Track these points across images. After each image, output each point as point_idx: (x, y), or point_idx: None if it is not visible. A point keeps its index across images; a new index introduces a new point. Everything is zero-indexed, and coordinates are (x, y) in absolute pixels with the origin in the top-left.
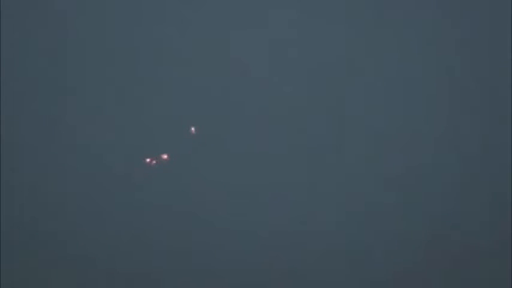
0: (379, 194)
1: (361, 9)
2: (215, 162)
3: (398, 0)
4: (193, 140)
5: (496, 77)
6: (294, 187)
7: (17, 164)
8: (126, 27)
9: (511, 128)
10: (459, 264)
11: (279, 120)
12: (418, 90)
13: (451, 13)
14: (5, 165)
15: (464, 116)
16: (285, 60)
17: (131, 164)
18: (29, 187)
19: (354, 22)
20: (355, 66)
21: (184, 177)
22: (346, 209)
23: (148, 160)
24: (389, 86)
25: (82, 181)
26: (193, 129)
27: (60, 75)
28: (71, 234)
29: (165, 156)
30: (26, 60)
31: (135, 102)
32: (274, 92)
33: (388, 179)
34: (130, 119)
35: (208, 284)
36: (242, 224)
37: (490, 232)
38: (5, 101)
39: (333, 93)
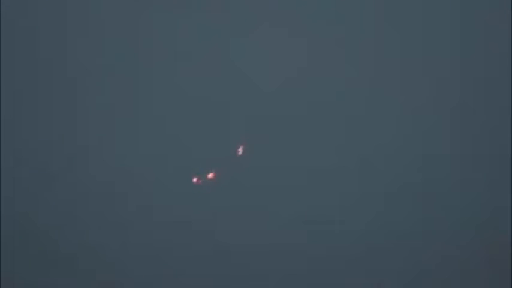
0: (378, 194)
1: (361, 11)
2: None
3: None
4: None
5: (496, 77)
6: (294, 188)
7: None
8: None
9: (511, 128)
10: (459, 264)
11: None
12: (419, 90)
13: (451, 13)
14: (5, 165)
15: (465, 116)
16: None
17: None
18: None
19: (354, 23)
20: (355, 66)
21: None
22: (346, 209)
23: (195, 179)
24: (389, 86)
25: (84, 183)
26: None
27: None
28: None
29: (210, 175)
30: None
31: (136, 105)
32: (274, 94)
33: (387, 179)
34: (131, 121)
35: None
36: (244, 225)
37: (489, 232)
38: (5, 101)
39: (334, 94)
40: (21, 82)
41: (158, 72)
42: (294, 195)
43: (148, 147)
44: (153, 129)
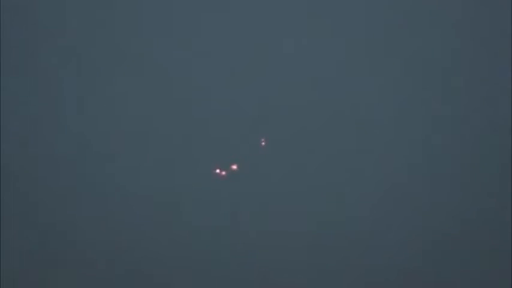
0: (378, 194)
1: (361, 10)
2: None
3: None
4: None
5: (496, 78)
6: (294, 187)
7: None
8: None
9: (511, 128)
10: (458, 264)
11: (276, 121)
12: (418, 90)
13: (451, 13)
14: (5, 165)
15: (465, 116)
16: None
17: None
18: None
19: (354, 22)
20: (355, 67)
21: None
22: (345, 209)
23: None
24: (388, 86)
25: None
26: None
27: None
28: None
29: (234, 167)
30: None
31: (138, 104)
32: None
33: (386, 180)
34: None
35: None
36: (245, 225)
37: (490, 233)
38: (5, 100)
39: (334, 94)
40: (17, 81)
41: (168, 67)
42: (300, 197)
43: (159, 146)
44: (165, 125)
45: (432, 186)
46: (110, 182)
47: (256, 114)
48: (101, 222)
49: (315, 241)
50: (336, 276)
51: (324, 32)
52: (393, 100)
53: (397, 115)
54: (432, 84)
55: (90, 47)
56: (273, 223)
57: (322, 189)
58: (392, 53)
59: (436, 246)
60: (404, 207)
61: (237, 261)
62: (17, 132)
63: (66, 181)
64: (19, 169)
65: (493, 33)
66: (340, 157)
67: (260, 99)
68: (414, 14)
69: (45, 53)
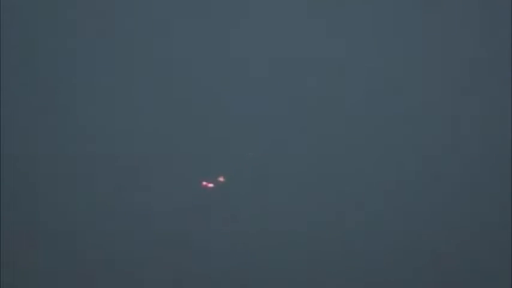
0: (378, 195)
1: (362, 9)
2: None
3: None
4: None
5: (496, 78)
6: (293, 186)
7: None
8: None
9: (511, 128)
10: (457, 264)
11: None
12: (418, 90)
13: (451, 13)
14: (4, 166)
15: (464, 116)
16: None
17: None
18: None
19: (355, 21)
20: (355, 65)
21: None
22: (345, 210)
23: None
24: (388, 85)
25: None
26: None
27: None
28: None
29: (221, 179)
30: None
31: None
32: (274, 91)
33: (386, 180)
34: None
35: None
36: (241, 224)
37: (490, 233)
38: (5, 100)
39: (333, 92)
40: (18, 81)
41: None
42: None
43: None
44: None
45: (432, 186)
46: (109, 182)
47: (256, 114)
48: (101, 223)
49: (315, 241)
50: (335, 276)
51: (324, 31)
52: (392, 100)
53: (396, 115)
54: (432, 84)
55: (90, 46)
56: (272, 223)
57: (322, 189)
58: (392, 53)
59: (436, 246)
60: (404, 207)
61: (237, 261)
62: (17, 132)
63: (66, 181)
64: (19, 169)
65: (493, 33)
66: (339, 157)
67: (260, 99)
68: (414, 14)
69: (44, 52)
